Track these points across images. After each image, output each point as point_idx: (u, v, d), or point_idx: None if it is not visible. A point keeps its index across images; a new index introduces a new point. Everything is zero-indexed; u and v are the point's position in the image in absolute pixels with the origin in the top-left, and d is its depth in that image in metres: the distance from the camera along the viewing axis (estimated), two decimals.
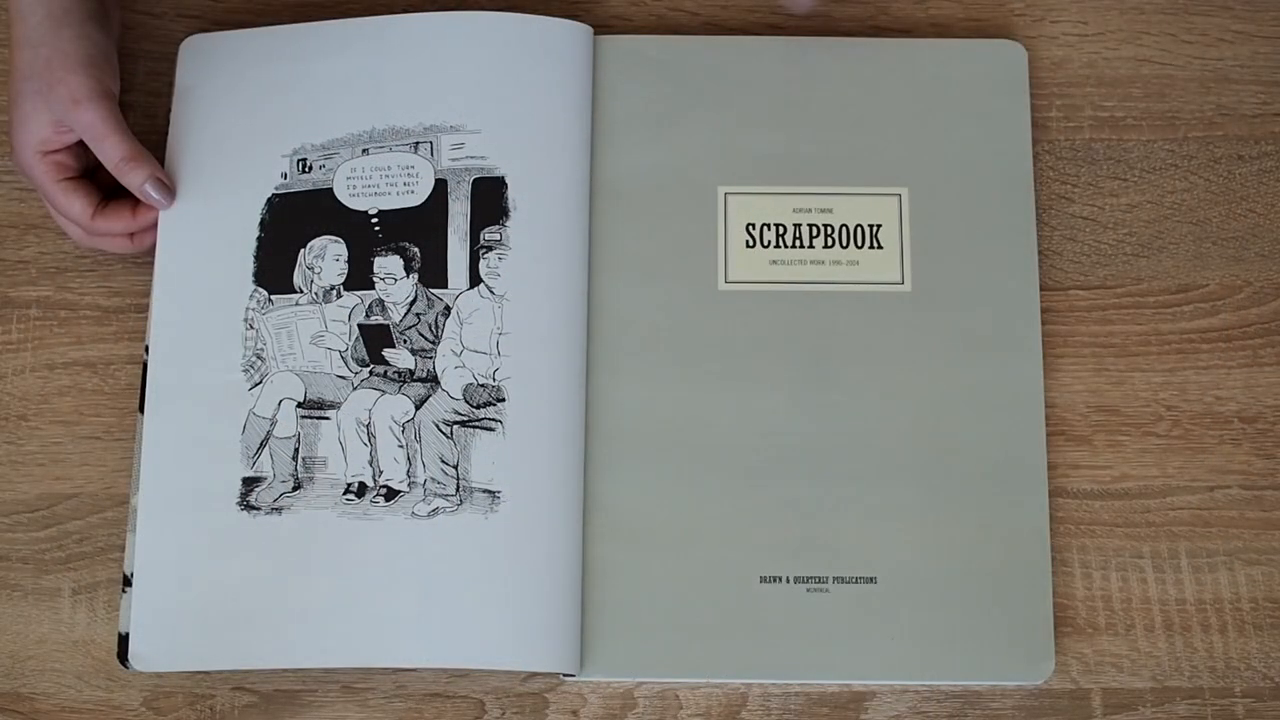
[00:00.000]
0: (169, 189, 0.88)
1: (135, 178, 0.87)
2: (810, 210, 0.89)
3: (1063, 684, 0.84)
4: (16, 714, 0.85)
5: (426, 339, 0.87)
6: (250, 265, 0.89)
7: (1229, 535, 0.86)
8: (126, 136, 0.86)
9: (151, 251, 0.89)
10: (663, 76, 0.91)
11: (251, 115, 0.91)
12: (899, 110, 0.91)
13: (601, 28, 0.93)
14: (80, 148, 0.88)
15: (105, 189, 0.89)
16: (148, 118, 0.93)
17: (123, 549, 0.86)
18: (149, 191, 0.87)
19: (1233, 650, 0.84)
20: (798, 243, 0.89)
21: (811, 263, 0.89)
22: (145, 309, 0.90)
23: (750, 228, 0.89)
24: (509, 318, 0.87)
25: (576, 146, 0.90)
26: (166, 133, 0.91)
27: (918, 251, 0.88)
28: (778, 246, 0.89)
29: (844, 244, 0.89)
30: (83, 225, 0.88)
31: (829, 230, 0.89)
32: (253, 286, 0.88)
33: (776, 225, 0.89)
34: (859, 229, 0.89)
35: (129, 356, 0.90)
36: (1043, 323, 0.88)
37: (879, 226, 0.89)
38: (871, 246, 0.88)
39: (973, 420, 0.86)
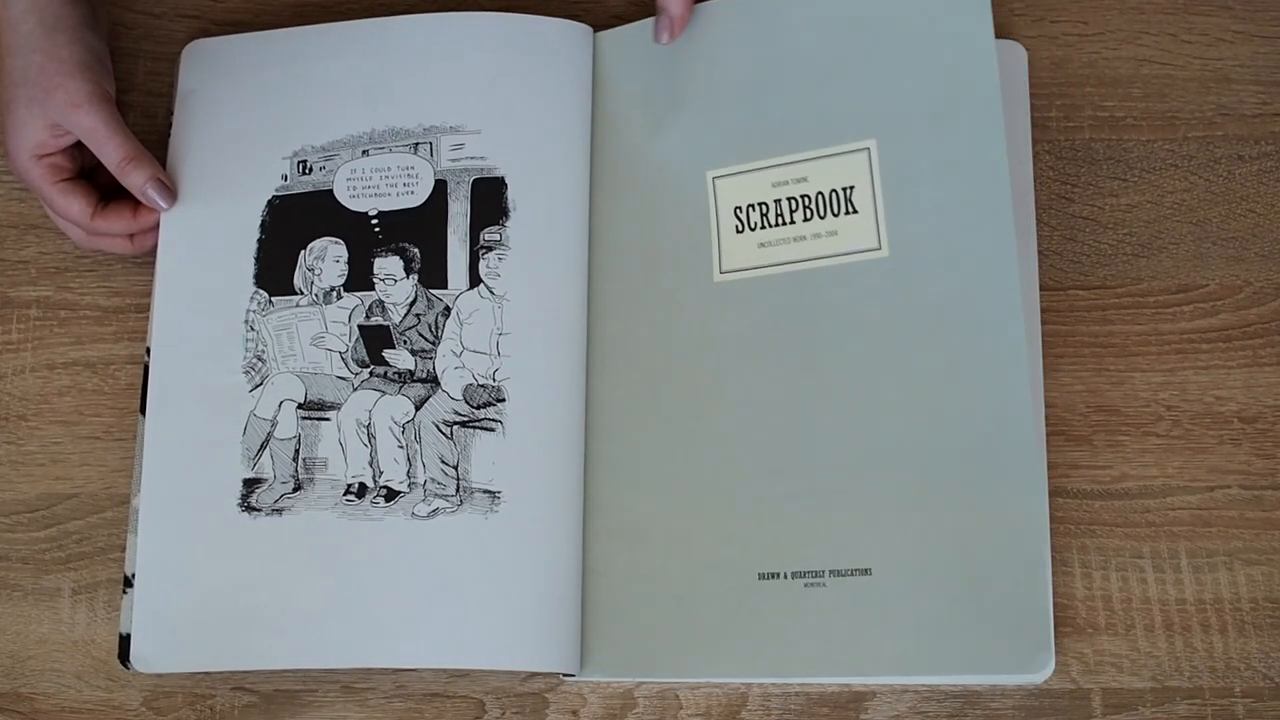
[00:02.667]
0: (170, 190, 0.88)
1: (136, 178, 0.87)
2: (787, 182, 0.88)
3: (1063, 684, 0.84)
4: (16, 714, 0.85)
5: (426, 340, 0.87)
6: (251, 267, 0.89)
7: (1229, 535, 0.86)
8: (128, 138, 0.86)
9: (152, 253, 0.90)
10: (649, 66, 0.91)
11: (252, 118, 0.91)
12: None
13: (602, 28, 0.93)
14: (76, 149, 0.88)
15: (103, 189, 0.89)
16: (147, 118, 0.93)
17: (123, 549, 0.86)
18: (150, 193, 0.87)
19: (1233, 650, 0.84)
20: (780, 220, 0.88)
21: (794, 240, 0.88)
22: (145, 309, 0.90)
23: (737, 210, 0.88)
24: (509, 318, 0.87)
25: (576, 146, 0.89)
26: (166, 133, 0.91)
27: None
28: (763, 228, 0.88)
29: (821, 214, 0.88)
30: (82, 226, 0.88)
31: (805, 201, 0.88)
32: (253, 288, 0.88)
33: (760, 204, 0.89)
34: (834, 194, 0.88)
35: (129, 356, 0.90)
36: (1042, 323, 0.88)
37: (852, 188, 0.88)
38: (848, 212, 0.87)
39: (972, 420, 0.85)
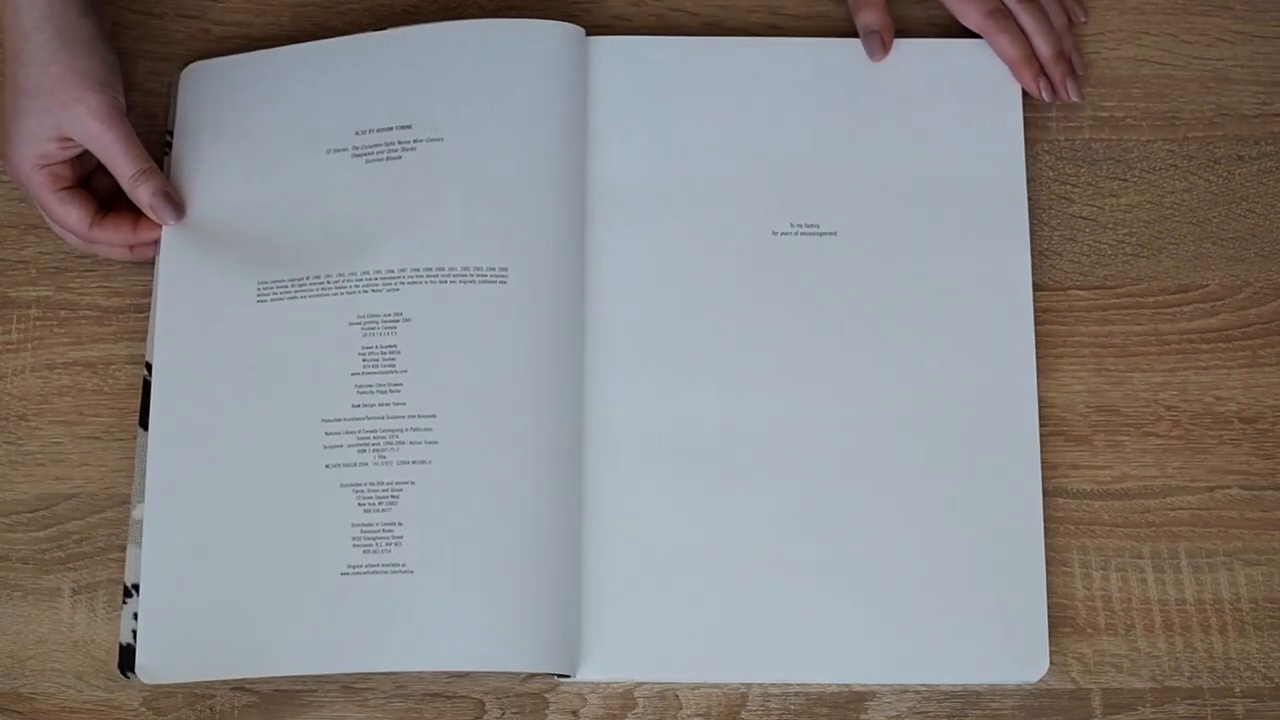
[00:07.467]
0: (178, 205, 0.88)
1: (144, 193, 0.87)
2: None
3: (1063, 684, 0.84)
4: (16, 714, 0.85)
5: None
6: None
7: (1229, 535, 0.86)
8: (142, 152, 0.86)
9: (151, 260, 0.89)
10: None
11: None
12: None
13: (601, 28, 0.93)
14: (78, 159, 0.87)
15: (101, 196, 0.89)
16: (147, 118, 0.93)
17: (123, 549, 0.86)
18: (158, 208, 0.87)
19: (1233, 650, 0.84)
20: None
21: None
22: (145, 309, 0.90)
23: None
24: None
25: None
26: (163, 132, 0.91)
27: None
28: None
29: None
30: (80, 235, 0.88)
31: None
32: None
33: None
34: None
35: (129, 356, 0.90)
36: (1042, 323, 0.88)
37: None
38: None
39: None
